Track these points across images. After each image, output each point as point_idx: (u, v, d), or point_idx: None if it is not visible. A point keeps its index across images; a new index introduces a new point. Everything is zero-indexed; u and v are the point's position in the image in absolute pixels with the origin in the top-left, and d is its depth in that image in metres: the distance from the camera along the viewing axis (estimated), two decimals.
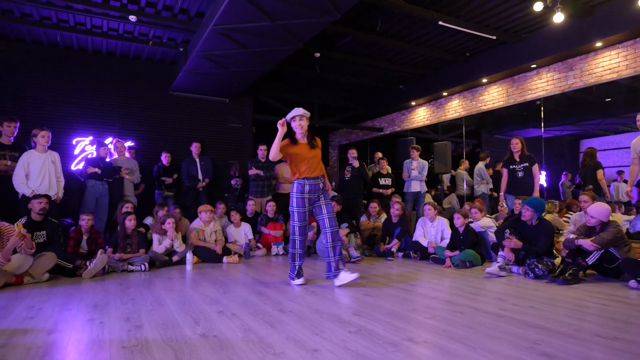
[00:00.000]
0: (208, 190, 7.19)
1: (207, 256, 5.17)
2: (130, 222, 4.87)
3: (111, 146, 6.59)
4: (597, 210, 4.00)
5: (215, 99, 8.20)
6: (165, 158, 7.02)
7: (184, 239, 5.30)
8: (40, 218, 4.38)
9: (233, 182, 7.11)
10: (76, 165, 6.75)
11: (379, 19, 5.91)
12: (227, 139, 8.39)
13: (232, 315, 2.73)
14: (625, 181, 8.96)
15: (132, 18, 5.63)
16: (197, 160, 7.19)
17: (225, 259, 5.13)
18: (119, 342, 2.22)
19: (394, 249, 5.57)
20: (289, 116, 3.72)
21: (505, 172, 5.61)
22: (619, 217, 6.11)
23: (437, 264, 5.00)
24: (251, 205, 6.54)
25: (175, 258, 4.94)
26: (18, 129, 5.09)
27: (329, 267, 3.75)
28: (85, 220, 4.68)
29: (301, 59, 7.47)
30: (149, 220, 5.84)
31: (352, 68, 8.16)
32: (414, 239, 5.57)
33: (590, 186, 5.85)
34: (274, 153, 3.63)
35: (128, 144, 7.21)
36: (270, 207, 6.33)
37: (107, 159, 6.19)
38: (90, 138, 7.01)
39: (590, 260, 3.90)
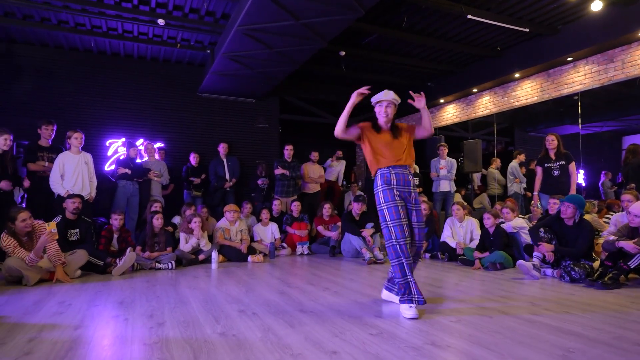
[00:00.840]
0: (235, 190, 7.28)
1: (232, 255, 5.21)
2: (157, 221, 4.98)
3: (141, 147, 6.78)
4: (638, 207, 3.75)
5: (242, 100, 8.29)
6: (193, 159, 7.15)
7: (210, 238, 5.37)
8: (74, 217, 4.54)
9: (259, 181, 7.16)
10: (109, 166, 6.99)
11: (405, 14, 5.78)
12: (253, 139, 8.47)
13: (252, 315, 2.72)
14: None
15: (161, 22, 5.77)
16: (225, 160, 7.30)
17: (250, 258, 5.16)
18: (140, 339, 2.25)
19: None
20: (375, 98, 3.06)
21: (539, 170, 5.35)
22: None
23: (466, 265, 4.84)
24: (277, 205, 6.56)
25: (201, 257, 5.01)
26: (55, 132, 5.32)
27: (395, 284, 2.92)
28: (116, 220, 4.82)
29: (326, 58, 7.43)
30: (176, 220, 5.96)
31: (378, 66, 8.04)
32: (441, 240, 5.41)
33: (633, 185, 5.49)
34: (341, 126, 2.98)
35: (158, 145, 7.40)
36: (295, 207, 6.33)
37: (138, 160, 6.38)
38: (123, 140, 7.24)
39: (633, 263, 3.64)
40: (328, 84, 9.21)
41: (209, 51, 6.87)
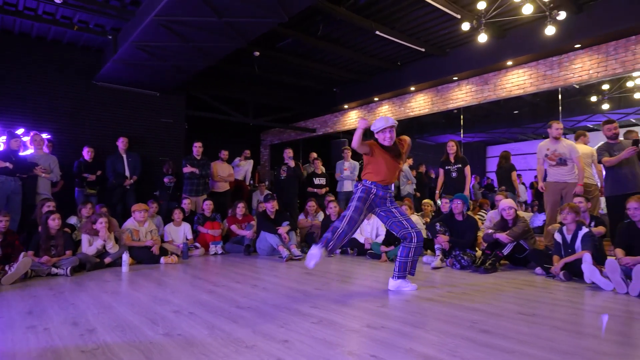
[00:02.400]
0: (136, 188, 6.81)
1: (143, 257, 4.92)
2: (54, 222, 4.46)
3: (26, 138, 5.94)
4: (508, 202, 4.65)
5: (145, 92, 7.76)
6: (87, 153, 6.50)
7: (116, 240, 4.98)
8: None
9: (166, 180, 6.82)
10: None
11: (321, 23, 6.11)
12: (157, 134, 7.99)
13: (190, 314, 2.70)
14: (524, 183, 10.29)
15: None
16: (124, 156, 6.78)
17: (162, 259, 4.93)
18: (75, 347, 2.10)
19: None
20: (377, 127, 3.26)
21: (441, 172, 6.10)
22: (522, 215, 7.05)
23: (374, 259, 5.33)
24: (187, 204, 6.34)
25: (107, 260, 4.63)
26: None
27: (405, 266, 3.42)
28: (0, 222, 4.18)
29: (239, 57, 7.40)
30: (73, 220, 5.39)
31: (290, 69, 8.27)
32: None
33: (504, 187, 6.65)
34: (357, 142, 3.17)
35: (44, 136, 6.53)
36: (207, 206, 6.20)
37: (21, 153, 5.58)
38: None
39: (505, 251, 4.49)
40: (239, 82, 9.14)
41: (110, 37, 6.30)
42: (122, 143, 6.77)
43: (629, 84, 6.48)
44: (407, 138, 3.49)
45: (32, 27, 6.25)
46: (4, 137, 5.69)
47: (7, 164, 5.15)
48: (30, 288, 3.61)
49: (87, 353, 2.02)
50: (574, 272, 3.83)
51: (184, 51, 5.69)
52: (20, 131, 6.26)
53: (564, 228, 4.08)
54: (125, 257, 4.41)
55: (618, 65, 5.61)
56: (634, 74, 5.90)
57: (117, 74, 6.81)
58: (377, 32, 6.15)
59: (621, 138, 4.84)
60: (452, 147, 5.95)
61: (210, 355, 1.98)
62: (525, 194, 10.46)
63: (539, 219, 6.37)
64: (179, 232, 5.74)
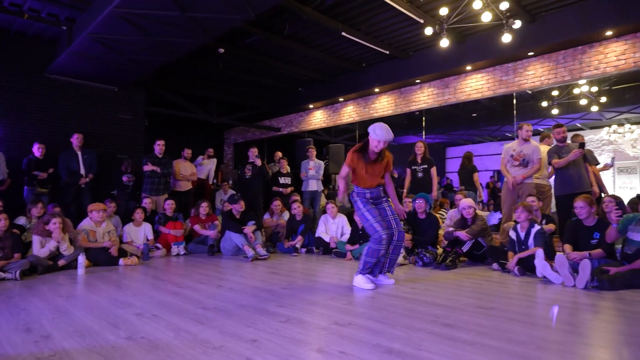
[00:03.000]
0: (92, 186, 6.51)
1: (100, 259, 4.71)
2: (0, 223, 4.18)
3: None
4: (468, 201, 4.85)
5: (102, 87, 7.42)
6: (37, 150, 6.14)
7: (71, 241, 4.73)
8: None
9: (124, 178, 6.56)
10: None
11: (287, 22, 6.09)
12: (115, 131, 7.66)
13: (153, 317, 2.62)
14: (480, 184, 10.76)
15: None
16: (79, 153, 6.46)
17: (122, 261, 4.75)
18: (29, 354, 1.99)
19: (298, 245, 5.81)
20: (379, 136, 3.39)
21: (408, 172, 6.25)
22: (480, 214, 7.37)
23: (339, 257, 5.39)
24: (147, 204, 6.13)
25: (61, 262, 4.39)
26: None
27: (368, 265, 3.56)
28: None
29: (204, 53, 7.24)
30: (22, 221, 5.07)
31: (256, 67, 8.19)
32: (316, 235, 5.89)
33: (463, 187, 6.92)
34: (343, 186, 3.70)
35: None
36: (169, 206, 6.03)
37: None
38: None
39: (465, 248, 4.69)
40: (203, 79, 8.93)
41: (64, 28, 5.98)
42: (76, 139, 6.44)
43: (576, 90, 6.95)
44: (389, 154, 3.69)
45: None
46: None
47: None
48: None
49: None
50: (527, 267, 4.06)
51: (144, 45, 5.50)
52: None
53: (518, 226, 4.31)
54: (81, 259, 4.20)
55: (567, 73, 5.99)
56: (580, 82, 6.33)
57: (71, 67, 6.47)
58: (343, 33, 6.22)
59: (569, 141, 5.17)
60: (420, 148, 6.12)
61: (176, 357, 1.94)
62: (481, 194, 10.95)
63: (495, 217, 6.68)
64: (139, 233, 5.54)
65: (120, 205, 6.40)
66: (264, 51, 7.39)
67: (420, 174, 6.07)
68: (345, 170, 3.63)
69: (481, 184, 10.83)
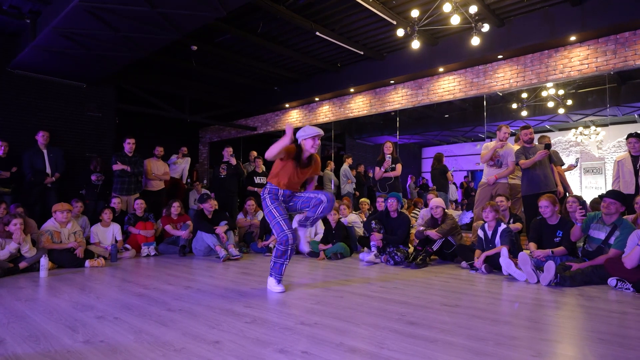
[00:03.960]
0: (58, 186, 6.30)
1: (64, 261, 4.55)
2: None
3: None
4: (437, 201, 4.94)
5: (70, 83, 7.19)
6: (0, 148, 5.89)
7: (33, 243, 4.57)
8: None
9: (93, 177, 6.38)
10: None
11: (261, 21, 6.05)
12: (84, 129, 7.43)
13: (115, 320, 2.56)
14: (454, 183, 10.98)
15: None
16: (45, 151, 6.25)
17: (88, 262, 4.61)
18: None
19: (271, 245, 5.77)
20: (308, 133, 3.24)
21: (377, 170, 6.28)
22: (451, 213, 7.50)
23: (312, 257, 5.39)
24: (117, 204, 5.97)
25: (23, 264, 4.22)
26: None
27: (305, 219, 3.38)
28: None
29: (176, 50, 7.11)
30: None
31: (230, 65, 8.10)
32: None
33: (434, 187, 7.03)
34: (274, 154, 3.09)
35: None
36: (139, 205, 5.89)
37: None
38: None
39: (435, 247, 4.76)
40: (175, 76, 8.77)
41: (28, 21, 5.76)
42: (42, 137, 6.22)
43: (544, 93, 7.17)
44: (318, 158, 3.52)
45: None
46: None
47: None
48: None
49: None
50: (494, 265, 4.16)
51: (112, 40, 5.35)
52: None
53: (486, 225, 4.41)
54: (44, 261, 4.06)
55: (534, 76, 6.17)
56: (548, 85, 6.53)
57: (36, 62, 6.24)
58: (317, 33, 6.22)
59: (536, 142, 5.32)
60: (388, 148, 6.19)
61: None
62: (455, 193, 11.17)
63: (467, 217, 6.84)
64: (107, 233, 5.40)
65: (88, 205, 6.23)
66: (238, 49, 7.31)
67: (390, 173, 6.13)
68: (275, 152, 3.09)
69: (455, 184, 11.09)
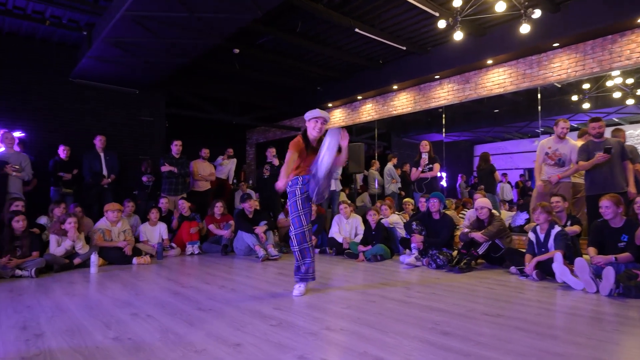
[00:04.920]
0: (114, 187, 6.68)
1: (114, 258, 4.82)
2: (18, 224, 4.32)
3: None
4: (482, 201, 4.63)
5: (124, 90, 7.62)
6: (63, 152, 6.36)
7: (87, 240, 4.87)
8: None
9: (144, 179, 6.70)
10: None
11: (299, 20, 6.03)
12: (136, 133, 7.85)
13: (147, 317, 2.62)
14: (509, 182, 10.33)
15: None
16: (102, 155, 6.64)
17: (135, 260, 4.83)
18: (16, 353, 2.02)
19: None
20: (310, 116, 3.28)
21: (414, 171, 6.07)
22: (504, 214, 7.03)
23: (351, 258, 5.28)
24: (164, 204, 6.23)
25: (77, 261, 4.52)
26: None
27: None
28: None
29: (220, 54, 7.29)
30: (43, 220, 5.25)
31: (272, 67, 8.18)
32: (329, 236, 5.79)
33: (482, 186, 6.64)
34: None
35: (17, 134, 6.39)
36: (184, 205, 6.10)
37: None
38: None
39: (481, 250, 4.46)
40: (220, 80, 9.02)
41: (85, 33, 6.17)
42: (99, 141, 6.62)
43: (609, 83, 6.50)
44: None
45: (3, 22, 6.08)
46: None
47: None
48: None
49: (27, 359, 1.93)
50: (547, 271, 3.81)
51: (157, 47, 5.58)
52: None
53: (538, 227, 4.06)
54: (94, 258, 4.30)
55: (595, 64, 5.61)
56: (613, 73, 5.91)
57: (93, 71, 6.67)
58: (357, 30, 6.09)
59: (607, 136, 4.76)
60: (425, 147, 5.95)
61: None
62: (510, 193, 10.50)
63: (521, 218, 6.37)
64: (155, 232, 5.64)
65: (140, 205, 6.55)
66: (279, 51, 7.36)
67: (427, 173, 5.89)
68: (292, 157, 3.25)
69: (510, 183, 10.43)
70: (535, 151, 5.22)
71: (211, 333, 2.29)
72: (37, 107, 6.78)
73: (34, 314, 2.71)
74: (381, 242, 5.19)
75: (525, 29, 4.82)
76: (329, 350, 2.03)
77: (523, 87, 6.38)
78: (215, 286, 3.61)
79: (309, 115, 3.32)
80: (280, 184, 3.22)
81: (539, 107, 6.40)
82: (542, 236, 3.98)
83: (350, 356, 1.95)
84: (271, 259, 5.19)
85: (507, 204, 9.25)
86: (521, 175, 11.47)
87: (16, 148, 5.93)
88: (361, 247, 5.22)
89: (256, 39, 6.74)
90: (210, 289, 3.48)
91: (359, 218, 5.84)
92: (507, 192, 10.04)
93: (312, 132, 3.30)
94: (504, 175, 10.31)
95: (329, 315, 2.69)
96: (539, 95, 6.39)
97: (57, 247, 4.47)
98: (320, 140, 3.30)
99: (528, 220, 5.46)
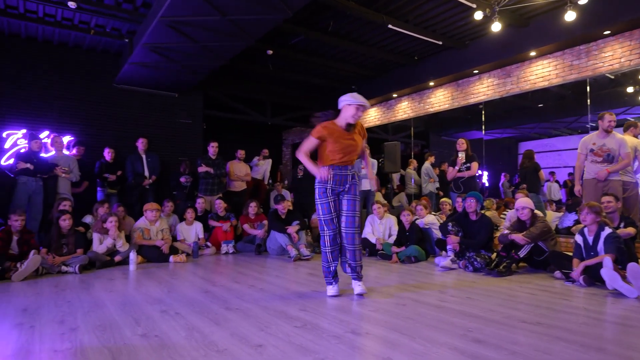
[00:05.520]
0: (155, 187, 6.94)
1: (152, 256, 4.99)
2: (65, 222, 4.58)
3: (47, 140, 6.18)
4: (523, 201, 4.36)
5: (164, 94, 7.90)
6: (108, 154, 6.68)
7: (128, 238, 5.08)
8: None
9: (182, 179, 6.91)
10: (6, 160, 6.25)
11: (331, 19, 5.99)
12: (175, 135, 8.12)
13: (175, 315, 2.67)
14: (557, 181, 9.73)
15: (72, 4, 5.30)
16: (144, 156, 6.91)
17: (172, 258, 4.98)
18: (50, 346, 2.10)
19: None
20: (352, 101, 3.07)
21: (450, 170, 5.87)
22: (551, 215, 6.62)
23: (385, 259, 5.16)
24: (201, 204, 6.39)
25: (117, 258, 4.72)
26: None
27: (343, 266, 3.34)
28: (16, 221, 4.34)
29: (254, 56, 7.39)
30: (88, 219, 5.53)
31: (305, 67, 8.19)
32: (363, 236, 5.69)
33: (525, 185, 6.29)
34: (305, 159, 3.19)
35: (67, 138, 6.79)
36: (219, 205, 6.23)
37: (43, 154, 5.80)
38: (24, 131, 6.52)
39: (522, 253, 4.20)
40: (255, 81, 9.15)
41: (127, 40, 6.46)
42: (141, 144, 6.90)
43: None
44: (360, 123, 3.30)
45: (54, 33, 6.48)
46: (25, 140, 5.93)
47: (28, 165, 5.36)
48: (38, 285, 3.71)
49: (59, 352, 2.01)
50: (596, 277, 3.52)
51: (193, 51, 5.73)
52: (44, 134, 6.51)
53: (586, 229, 3.77)
54: (133, 256, 4.47)
55: None
56: None
57: (134, 76, 6.96)
58: (390, 26, 5.95)
59: None
60: (462, 145, 5.73)
61: (177, 358, 1.92)
62: (559, 193, 9.89)
63: (569, 219, 5.97)
64: (191, 232, 5.79)
65: (179, 205, 6.76)
66: (312, 50, 7.35)
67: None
68: (310, 142, 3.15)
69: (558, 182, 9.82)
70: None
71: (235, 333, 2.29)
72: (85, 112, 7.17)
73: (72, 309, 2.83)
74: (415, 243, 5.03)
75: (570, 16, 4.51)
76: (350, 355, 1.96)
77: (570, 79, 5.98)
78: (245, 285, 3.63)
79: (350, 100, 3.07)
80: (319, 174, 3.10)
81: (588, 101, 5.97)
82: (590, 239, 3.69)
83: None
84: (303, 259, 5.18)
85: (554, 204, 8.72)
86: (570, 174, 10.78)
87: (67, 152, 6.31)
88: (394, 248, 5.09)
89: (289, 39, 6.77)
90: (240, 288, 3.50)
91: (393, 218, 5.70)
92: (555, 191, 9.48)
93: (349, 119, 3.10)
94: (552, 174, 9.73)
95: (356, 318, 2.62)
96: (588, 88, 5.96)
97: (99, 244, 4.68)
98: (353, 127, 3.16)
99: (577, 222, 5.11)
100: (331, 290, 3.21)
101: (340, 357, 1.93)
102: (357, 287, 3.22)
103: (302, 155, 3.19)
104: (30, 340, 2.19)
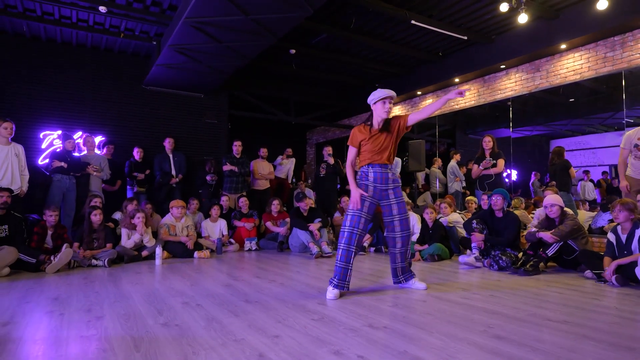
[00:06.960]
0: (182, 186, 7.12)
1: (177, 251, 5.11)
2: (96, 217, 4.77)
3: (80, 140, 6.45)
4: (552, 198, 4.20)
5: (190, 94, 8.10)
6: (137, 153, 6.91)
7: (155, 235, 5.23)
8: (2, 212, 4.24)
9: (208, 178, 7.05)
10: (43, 160, 6.56)
11: (353, 15, 5.96)
12: (201, 134, 8.30)
13: (196, 306, 2.73)
14: (592, 180, 9.33)
15: (102, 9, 5.52)
16: (171, 156, 7.11)
17: (196, 254, 5.09)
18: (77, 332, 2.19)
19: (366, 244, 5.64)
20: (376, 97, 3.08)
21: (475, 168, 5.74)
22: (583, 214, 6.35)
23: None
24: (225, 201, 6.50)
25: (144, 253, 4.86)
26: None
27: (395, 273, 3.37)
28: (51, 216, 4.55)
29: (277, 55, 7.46)
30: (118, 215, 5.73)
31: (328, 65, 8.20)
32: (385, 234, 5.64)
33: (554, 182, 6.06)
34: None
35: (98, 138, 7.06)
36: (243, 203, 6.31)
37: (76, 154, 6.06)
38: (59, 132, 6.82)
39: (550, 251, 4.06)
40: (279, 80, 9.23)
41: (155, 42, 6.66)
42: (168, 143, 7.10)
43: None
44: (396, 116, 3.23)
45: (87, 37, 6.76)
46: (60, 141, 6.21)
47: (62, 164, 5.61)
48: (69, 277, 3.88)
49: (85, 338, 2.09)
50: (629, 276, 3.35)
51: (217, 51, 5.84)
52: (77, 134, 6.80)
53: (619, 227, 3.60)
54: (159, 251, 4.60)
55: None
56: None
57: (162, 78, 7.16)
58: (413, 22, 5.87)
59: None
60: (488, 143, 5.59)
61: (195, 346, 1.96)
62: (593, 192, 9.48)
63: (604, 219, 5.72)
64: (215, 228, 5.90)
65: (204, 202, 6.90)
66: (335, 48, 7.35)
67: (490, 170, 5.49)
68: (351, 153, 3.20)
69: (592, 181, 9.42)
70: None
71: (253, 324, 2.31)
72: (114, 113, 7.43)
73: (99, 299, 2.94)
74: (438, 241, 4.94)
75: (602, 5, 4.32)
76: (366, 347, 1.94)
77: (604, 72, 5.73)
78: (265, 280, 3.67)
79: (375, 96, 3.09)
80: (353, 193, 3.11)
81: (624, 95, 5.70)
82: (623, 237, 3.52)
83: (389, 354, 1.85)
84: (324, 256, 5.18)
85: (587, 204, 8.37)
86: (603, 173, 10.28)
87: (98, 151, 6.56)
88: (417, 247, 5.01)
89: (311, 38, 6.79)
90: (260, 283, 3.54)
91: (416, 216, 5.62)
92: (589, 191, 9.09)
93: (382, 114, 3.10)
94: (586, 172, 9.33)
95: (374, 312, 2.60)
96: (623, 82, 5.69)
97: (127, 240, 4.84)
98: (387, 122, 3.15)
99: (611, 221, 4.89)
100: (334, 293, 2.99)
101: (356, 349, 1.92)
102: (418, 283, 3.29)
103: (348, 169, 3.22)
104: (59, 327, 2.29)
